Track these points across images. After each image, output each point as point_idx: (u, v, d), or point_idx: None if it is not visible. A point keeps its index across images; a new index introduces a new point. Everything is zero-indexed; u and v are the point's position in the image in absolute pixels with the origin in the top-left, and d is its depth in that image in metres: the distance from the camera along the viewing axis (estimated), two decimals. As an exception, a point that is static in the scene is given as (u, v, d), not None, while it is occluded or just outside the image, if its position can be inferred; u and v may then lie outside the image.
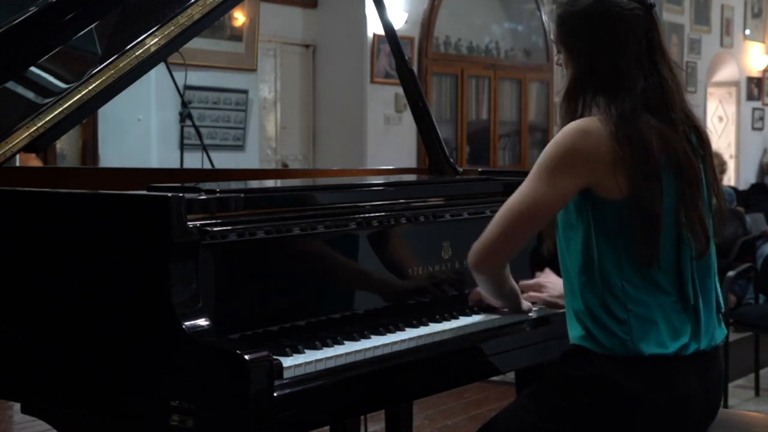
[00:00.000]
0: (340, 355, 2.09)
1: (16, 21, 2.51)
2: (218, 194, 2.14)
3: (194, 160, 6.34)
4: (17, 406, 2.87)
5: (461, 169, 3.20)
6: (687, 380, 2.16)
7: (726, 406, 5.18)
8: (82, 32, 2.62)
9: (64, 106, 2.39)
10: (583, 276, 2.17)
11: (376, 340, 2.21)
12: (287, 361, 1.98)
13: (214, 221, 2.08)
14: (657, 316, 2.13)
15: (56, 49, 2.59)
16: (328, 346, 2.13)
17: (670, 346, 2.13)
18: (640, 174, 2.09)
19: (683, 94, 2.21)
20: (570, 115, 2.18)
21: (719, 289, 2.25)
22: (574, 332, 2.21)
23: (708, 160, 2.22)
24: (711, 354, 2.21)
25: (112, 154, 7.53)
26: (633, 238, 2.11)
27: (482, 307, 2.53)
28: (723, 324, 2.27)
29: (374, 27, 8.74)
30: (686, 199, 2.14)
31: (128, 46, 2.48)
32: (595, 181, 2.12)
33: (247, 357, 1.86)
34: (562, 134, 2.13)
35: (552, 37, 2.26)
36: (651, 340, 2.12)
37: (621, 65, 2.14)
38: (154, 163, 7.44)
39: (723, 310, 2.27)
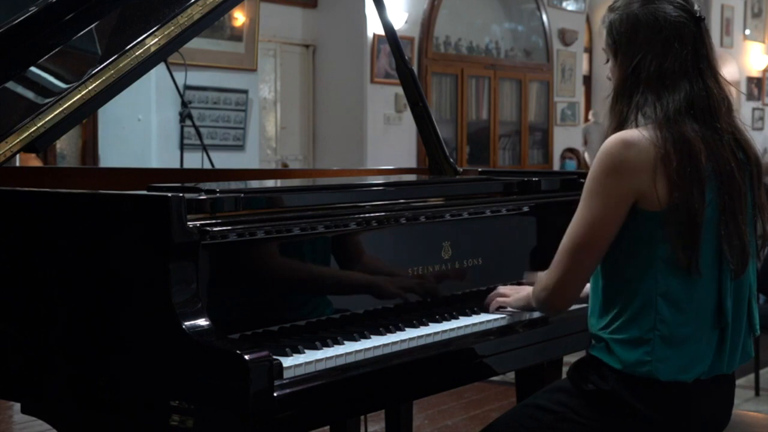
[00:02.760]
0: (340, 355, 2.09)
1: (16, 21, 2.51)
2: (218, 194, 2.14)
3: (194, 160, 6.34)
4: (17, 406, 2.88)
5: (461, 169, 3.20)
6: (702, 404, 2.13)
7: (726, 406, 5.17)
8: (82, 32, 2.62)
9: (64, 106, 2.39)
10: (619, 289, 2.14)
11: (376, 340, 2.21)
12: (287, 361, 1.98)
13: (214, 221, 2.08)
14: (683, 339, 2.09)
15: (56, 49, 2.59)
16: (328, 346, 2.13)
17: (689, 372, 2.10)
18: (682, 173, 2.06)
19: (732, 110, 2.18)
20: (617, 116, 2.17)
21: (756, 312, 2.21)
22: (595, 342, 2.18)
23: (756, 180, 2.18)
24: (729, 377, 2.19)
25: (112, 154, 7.54)
26: (673, 246, 2.07)
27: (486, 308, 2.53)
28: (752, 348, 2.22)
29: (374, 27, 8.75)
30: (726, 211, 2.10)
31: (128, 46, 2.48)
32: (640, 193, 2.08)
33: (247, 357, 1.86)
34: (605, 150, 2.10)
35: (603, 46, 2.26)
36: (672, 365, 2.08)
37: (665, 67, 2.14)
38: (154, 163, 7.44)
39: (758, 334, 2.22)
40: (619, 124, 2.15)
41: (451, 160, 3.21)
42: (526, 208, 2.84)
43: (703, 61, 2.16)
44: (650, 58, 2.14)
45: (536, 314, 2.54)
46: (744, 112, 14.63)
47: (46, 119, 2.36)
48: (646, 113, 2.12)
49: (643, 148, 2.08)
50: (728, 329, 2.13)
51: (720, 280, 2.12)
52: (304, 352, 2.06)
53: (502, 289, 2.56)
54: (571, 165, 11.88)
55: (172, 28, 2.54)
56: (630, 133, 2.10)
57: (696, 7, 2.19)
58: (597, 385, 2.14)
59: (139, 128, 7.56)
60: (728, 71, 14.12)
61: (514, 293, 2.51)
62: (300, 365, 2.00)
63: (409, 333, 2.29)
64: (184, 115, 6.20)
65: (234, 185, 2.52)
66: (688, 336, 2.09)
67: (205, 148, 6.00)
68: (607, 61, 2.25)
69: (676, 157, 2.06)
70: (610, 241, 2.12)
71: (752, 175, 2.17)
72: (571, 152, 12.23)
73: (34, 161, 5.62)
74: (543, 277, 2.23)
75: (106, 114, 7.19)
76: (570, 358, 2.45)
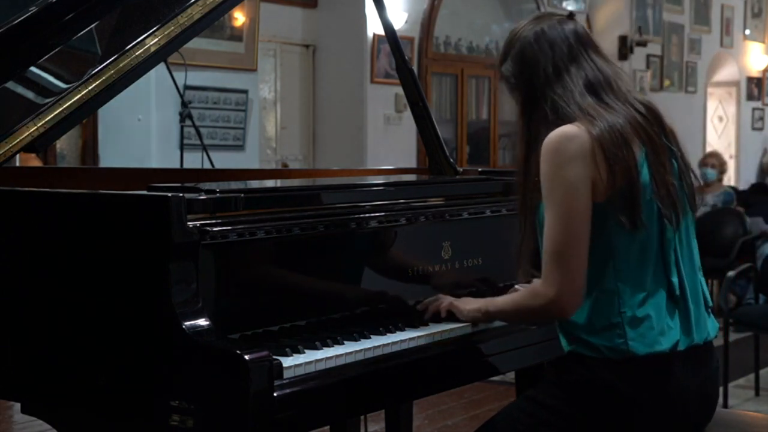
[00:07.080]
0: (340, 355, 2.09)
1: (16, 21, 2.51)
2: (218, 194, 2.14)
3: (194, 160, 6.33)
4: (17, 406, 2.88)
5: (461, 169, 3.20)
6: (682, 377, 2.18)
7: (726, 406, 5.18)
8: (82, 32, 2.62)
9: (64, 106, 2.39)
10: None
11: (376, 340, 2.21)
12: (287, 361, 1.98)
13: (214, 221, 2.08)
14: (649, 315, 2.16)
15: (56, 49, 2.59)
16: (328, 346, 2.13)
17: (663, 343, 2.16)
18: (615, 149, 2.14)
19: (622, 78, 2.29)
20: (525, 134, 2.26)
21: (704, 284, 2.29)
22: (568, 340, 2.23)
23: (670, 136, 2.26)
24: (705, 348, 2.24)
25: (112, 154, 7.53)
26: (618, 218, 2.14)
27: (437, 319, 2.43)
28: (713, 317, 2.30)
29: (374, 27, 8.74)
30: (652, 167, 2.18)
31: (128, 46, 2.48)
32: (592, 180, 2.14)
33: (247, 357, 1.86)
34: (550, 148, 2.15)
35: (512, 101, 2.36)
36: (645, 339, 2.15)
37: (557, 61, 2.24)
38: (154, 163, 7.43)
39: (711, 305, 2.30)
40: (533, 139, 2.22)
41: (451, 160, 3.21)
42: (526, 208, 2.83)
43: (586, 43, 2.28)
44: (543, 65, 2.24)
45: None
46: (744, 112, 14.61)
47: (46, 119, 2.37)
48: (562, 111, 2.20)
49: (582, 139, 2.15)
50: (687, 298, 2.20)
51: (663, 246, 2.19)
52: (304, 352, 2.06)
53: (446, 297, 2.45)
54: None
55: (172, 28, 2.55)
56: (566, 128, 2.17)
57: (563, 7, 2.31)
58: (580, 374, 2.18)
59: (139, 128, 7.55)
60: (728, 71, 14.12)
61: (462, 304, 2.41)
62: (300, 365, 2.00)
63: (409, 333, 2.29)
64: (184, 115, 6.19)
65: (234, 185, 2.52)
66: (651, 312, 2.16)
67: (205, 148, 5.99)
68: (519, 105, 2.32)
69: (607, 136, 2.15)
70: (589, 228, 2.15)
71: (663, 129, 2.25)
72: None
73: (34, 161, 5.61)
74: (541, 290, 2.18)
75: (106, 114, 7.17)
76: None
